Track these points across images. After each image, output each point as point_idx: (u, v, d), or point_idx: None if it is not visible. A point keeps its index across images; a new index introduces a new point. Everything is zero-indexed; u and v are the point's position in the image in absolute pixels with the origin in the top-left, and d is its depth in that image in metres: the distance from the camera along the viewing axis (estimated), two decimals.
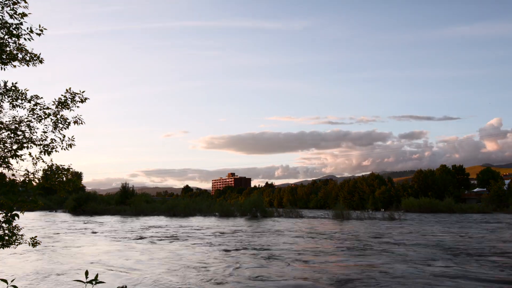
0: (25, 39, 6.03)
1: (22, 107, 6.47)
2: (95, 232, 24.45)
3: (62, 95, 6.50)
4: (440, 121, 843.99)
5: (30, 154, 6.41)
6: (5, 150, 6.36)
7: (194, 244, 17.83)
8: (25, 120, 6.43)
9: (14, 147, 6.40)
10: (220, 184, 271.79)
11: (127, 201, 55.79)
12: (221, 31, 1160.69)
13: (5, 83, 6.35)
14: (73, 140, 6.71)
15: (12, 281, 3.61)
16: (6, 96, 6.39)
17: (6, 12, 5.87)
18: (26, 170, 6.39)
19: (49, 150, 6.50)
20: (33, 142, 6.45)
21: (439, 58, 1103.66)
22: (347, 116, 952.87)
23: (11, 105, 6.45)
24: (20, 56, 6.25)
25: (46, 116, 6.47)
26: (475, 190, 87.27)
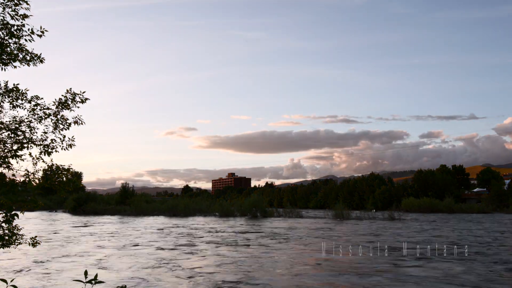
0: (26, 39, 6.06)
1: (23, 108, 6.49)
2: (95, 232, 24.48)
3: (62, 95, 6.53)
4: (464, 121, 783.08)
5: (30, 154, 6.43)
6: (5, 150, 6.37)
7: None
8: (26, 120, 6.45)
9: (15, 147, 6.42)
10: (220, 184, 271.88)
11: (127, 201, 55.79)
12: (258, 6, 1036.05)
13: (6, 83, 6.37)
14: (73, 141, 6.73)
15: (11, 280, 3.63)
16: (6, 97, 6.41)
17: (8, 13, 5.90)
18: (26, 170, 6.41)
19: (49, 150, 6.52)
20: (33, 142, 6.47)
21: (498, 41, 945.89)
22: (364, 114, 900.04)
23: (11, 105, 6.47)
24: (20, 56, 6.27)
25: (47, 116, 6.49)
26: (475, 190, 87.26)
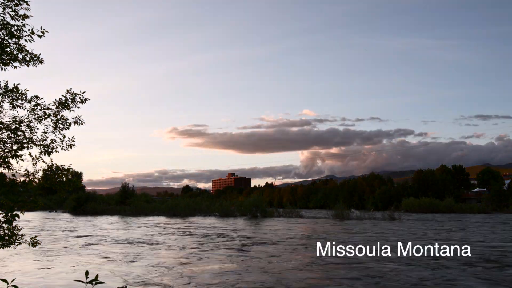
0: (25, 40, 6.07)
1: (23, 108, 6.50)
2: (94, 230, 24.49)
3: (62, 95, 6.55)
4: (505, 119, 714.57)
5: (30, 154, 6.44)
6: (5, 150, 6.38)
7: None
8: (26, 120, 6.45)
9: (14, 147, 6.42)
10: (220, 184, 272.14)
11: (127, 201, 55.79)
12: None
13: (6, 83, 6.37)
14: (73, 141, 6.74)
15: (12, 281, 3.63)
16: (6, 97, 6.42)
17: (8, 13, 5.90)
18: (26, 170, 6.42)
19: (49, 150, 6.53)
20: (33, 142, 6.48)
21: None
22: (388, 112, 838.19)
23: (11, 105, 6.48)
24: (20, 56, 6.28)
25: (47, 116, 6.50)
26: (475, 190, 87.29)
